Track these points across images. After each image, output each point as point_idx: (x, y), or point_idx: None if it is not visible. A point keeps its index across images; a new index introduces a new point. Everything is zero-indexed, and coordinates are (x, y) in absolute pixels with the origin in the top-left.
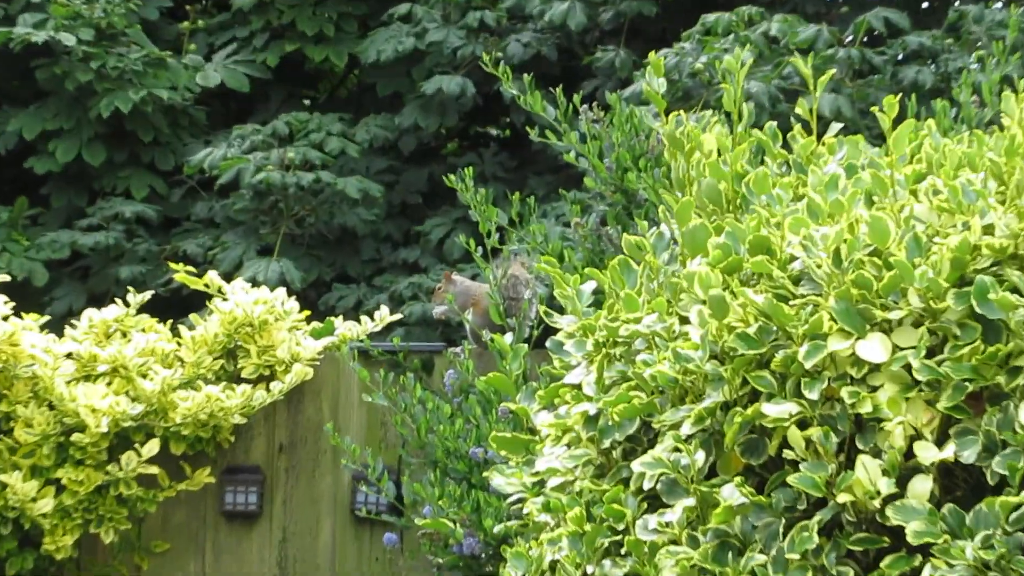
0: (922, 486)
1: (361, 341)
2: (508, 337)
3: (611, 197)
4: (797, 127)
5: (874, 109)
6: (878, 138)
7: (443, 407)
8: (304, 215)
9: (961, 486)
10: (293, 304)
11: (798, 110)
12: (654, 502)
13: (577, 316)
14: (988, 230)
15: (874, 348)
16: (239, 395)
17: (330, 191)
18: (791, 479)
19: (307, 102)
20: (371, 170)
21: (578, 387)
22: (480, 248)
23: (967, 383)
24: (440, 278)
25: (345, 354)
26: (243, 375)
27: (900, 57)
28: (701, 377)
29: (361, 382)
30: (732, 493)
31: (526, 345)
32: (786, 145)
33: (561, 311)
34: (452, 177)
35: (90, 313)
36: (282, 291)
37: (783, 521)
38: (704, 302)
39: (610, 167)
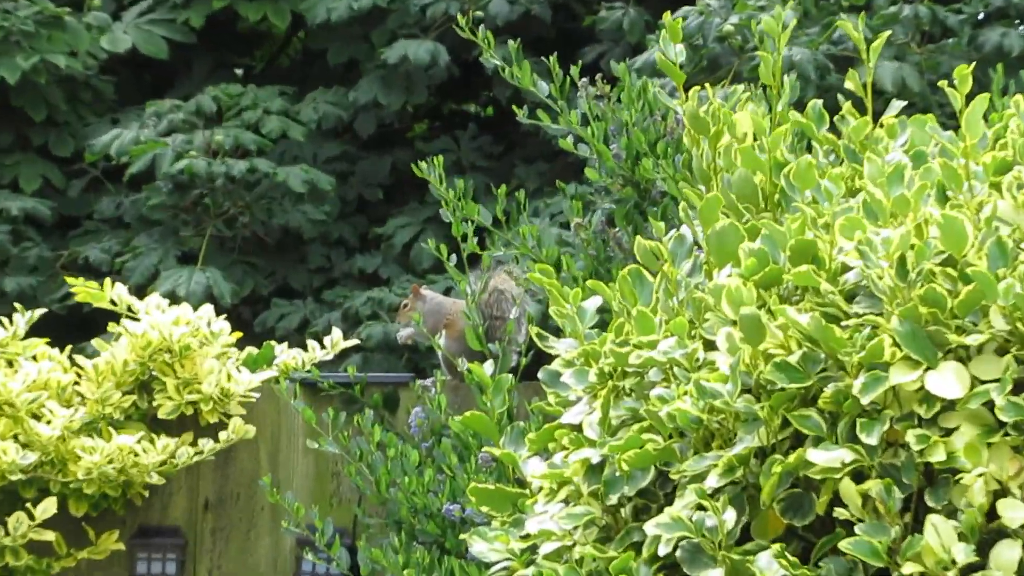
0: (1008, 554)
1: (308, 371)
2: (489, 366)
3: (619, 192)
4: (847, 105)
5: (943, 84)
6: (954, 117)
7: (409, 454)
8: (236, 213)
9: None
10: (223, 324)
11: (848, 84)
12: (673, 573)
13: (578, 340)
14: None
15: (948, 381)
16: (159, 450)
17: (268, 183)
18: (844, 544)
19: (240, 72)
20: (320, 157)
21: (578, 428)
22: (454, 256)
23: None
24: (406, 292)
25: (286, 389)
26: (160, 415)
27: (980, 16)
28: (731, 417)
29: (307, 423)
30: (770, 563)
31: (512, 376)
32: (834, 128)
33: (557, 333)
34: (423, 165)
35: None
36: (209, 308)
37: None
38: (735, 323)
39: (618, 155)
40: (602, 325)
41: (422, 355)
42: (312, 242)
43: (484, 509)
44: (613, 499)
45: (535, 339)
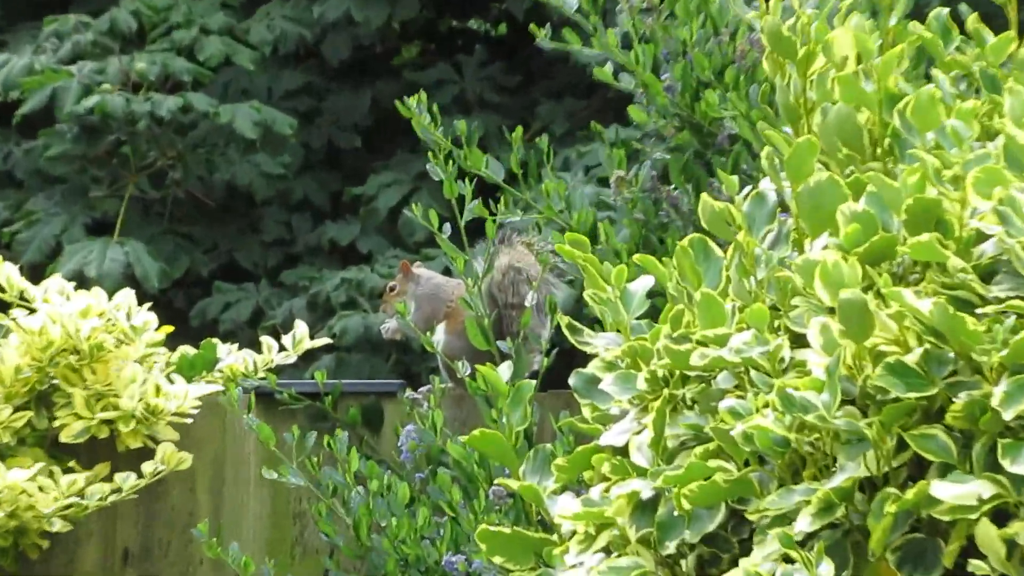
0: None
1: (262, 378)
2: (505, 368)
3: (674, 138)
4: (973, 18)
5: None
6: None
7: (397, 487)
8: (165, 166)
9: None
10: (148, 316)
11: None
12: None
13: (622, 333)
14: None
15: None
16: (62, 489)
17: (208, 126)
18: None
19: None
20: (276, 91)
21: (622, 452)
22: (448, 225)
23: None
24: (394, 272)
25: (234, 400)
26: (63, 437)
27: None
28: (828, 436)
29: (261, 447)
30: None
31: (533, 382)
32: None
33: (594, 325)
34: (411, 101)
35: None
36: (129, 295)
37: None
38: (832, 311)
39: (671, 87)
40: (654, 314)
41: (416, 355)
42: (267, 205)
43: (497, 560)
44: (671, 547)
45: (565, 332)
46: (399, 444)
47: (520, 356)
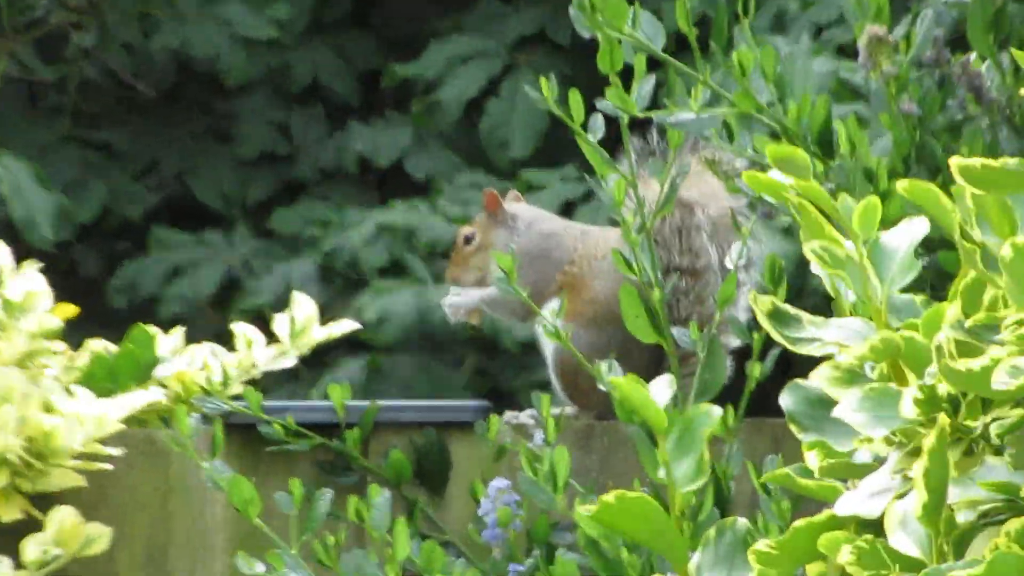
0: None
1: (236, 397)
2: (660, 388)
3: None
4: None
5: None
6: None
7: None
8: (65, 26)
9: None
10: (34, 284)
11: None
12: None
13: (873, 319)
14: None
15: None
16: None
17: None
18: None
19: None
20: None
21: (874, 527)
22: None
23: None
24: (470, 212)
25: (186, 434)
26: None
27: None
28: None
29: (237, 516)
30: None
31: (716, 410)
32: None
33: (822, 306)
34: None
35: None
36: (2, 251)
37: None
38: None
39: None
40: (924, 285)
41: (509, 358)
42: (247, 95)
43: None
44: None
45: (765, 323)
46: (481, 511)
47: (716, 358)
